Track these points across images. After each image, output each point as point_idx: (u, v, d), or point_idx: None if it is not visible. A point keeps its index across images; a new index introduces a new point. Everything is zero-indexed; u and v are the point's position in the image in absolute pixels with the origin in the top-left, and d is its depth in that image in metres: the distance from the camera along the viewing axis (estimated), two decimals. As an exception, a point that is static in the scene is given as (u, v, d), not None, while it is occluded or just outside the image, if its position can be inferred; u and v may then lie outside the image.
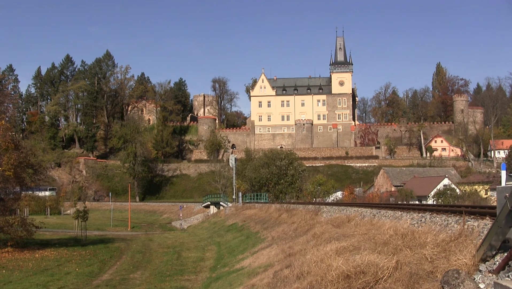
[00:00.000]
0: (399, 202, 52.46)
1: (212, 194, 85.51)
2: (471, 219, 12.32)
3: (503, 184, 20.45)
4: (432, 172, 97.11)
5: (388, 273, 9.64)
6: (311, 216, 30.34)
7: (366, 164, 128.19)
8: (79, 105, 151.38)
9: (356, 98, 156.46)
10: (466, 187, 77.21)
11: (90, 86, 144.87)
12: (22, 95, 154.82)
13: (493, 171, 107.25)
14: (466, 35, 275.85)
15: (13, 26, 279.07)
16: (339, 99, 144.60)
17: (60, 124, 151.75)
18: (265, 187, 74.22)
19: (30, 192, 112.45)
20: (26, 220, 39.68)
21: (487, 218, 11.78)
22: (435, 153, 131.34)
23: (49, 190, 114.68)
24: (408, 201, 60.20)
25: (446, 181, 77.08)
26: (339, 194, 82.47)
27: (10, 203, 39.27)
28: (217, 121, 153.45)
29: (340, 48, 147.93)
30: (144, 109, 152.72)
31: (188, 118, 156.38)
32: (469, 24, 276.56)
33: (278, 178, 73.63)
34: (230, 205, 69.19)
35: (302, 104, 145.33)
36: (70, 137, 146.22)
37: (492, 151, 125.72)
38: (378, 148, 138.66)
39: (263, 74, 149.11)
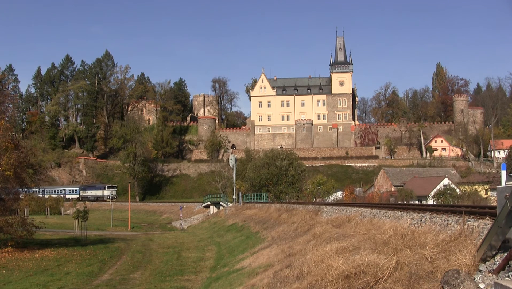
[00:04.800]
0: (399, 202, 52.48)
1: (212, 194, 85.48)
2: (471, 219, 12.31)
3: (503, 184, 20.45)
4: (432, 172, 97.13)
5: (388, 273, 9.64)
6: (311, 216, 30.34)
7: (366, 164, 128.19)
8: (79, 105, 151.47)
9: (356, 98, 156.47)
10: (466, 187, 77.20)
11: (90, 86, 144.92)
12: (22, 95, 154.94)
13: (493, 171, 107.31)
14: (466, 35, 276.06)
15: (13, 26, 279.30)
16: (339, 99, 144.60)
17: (60, 124, 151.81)
18: (265, 187, 74.19)
19: (89, 191, 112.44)
20: (26, 220, 39.65)
21: (487, 218, 11.77)
22: (435, 153, 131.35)
23: (108, 188, 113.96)
24: (408, 201, 60.19)
25: (446, 181, 77.10)
26: (339, 194, 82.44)
27: (10, 203, 39.24)
28: (217, 121, 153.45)
29: (340, 48, 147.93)
30: (144, 109, 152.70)
31: (188, 118, 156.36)
32: (469, 24, 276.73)
33: (278, 178, 73.59)
34: (230, 205, 69.17)
35: (302, 104, 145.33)
36: (70, 137, 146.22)
37: (492, 151, 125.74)
38: (378, 148, 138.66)
39: (263, 74, 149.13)
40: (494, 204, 17.07)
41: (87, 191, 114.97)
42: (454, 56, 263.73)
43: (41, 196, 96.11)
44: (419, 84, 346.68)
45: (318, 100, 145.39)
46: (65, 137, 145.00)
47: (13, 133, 45.25)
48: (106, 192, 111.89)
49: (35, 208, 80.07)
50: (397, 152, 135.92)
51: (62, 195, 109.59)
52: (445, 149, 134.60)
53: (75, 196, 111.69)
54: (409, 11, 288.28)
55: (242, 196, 69.15)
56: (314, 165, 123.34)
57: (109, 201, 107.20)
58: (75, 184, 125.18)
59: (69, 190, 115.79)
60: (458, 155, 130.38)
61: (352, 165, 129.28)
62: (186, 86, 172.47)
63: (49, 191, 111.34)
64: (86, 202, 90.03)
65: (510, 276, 7.27)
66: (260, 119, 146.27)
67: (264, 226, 38.00)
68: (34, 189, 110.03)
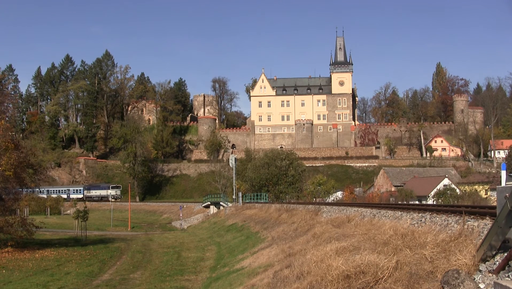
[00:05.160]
0: (399, 202, 52.47)
1: (212, 194, 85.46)
2: (471, 219, 12.30)
3: (503, 184, 20.45)
4: (432, 172, 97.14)
5: (388, 273, 9.64)
6: (311, 216, 30.33)
7: (366, 164, 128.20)
8: (79, 105, 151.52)
9: (356, 98, 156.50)
10: (466, 187, 77.22)
11: (90, 86, 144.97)
12: (22, 95, 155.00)
13: (493, 171, 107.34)
14: (466, 35, 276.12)
15: (13, 26, 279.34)
16: (339, 99, 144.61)
17: (60, 124, 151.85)
18: (265, 187, 74.18)
19: (94, 191, 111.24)
20: (26, 220, 39.63)
21: (487, 218, 11.77)
22: (435, 153, 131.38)
23: (112, 187, 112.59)
24: (408, 201, 60.19)
25: (446, 181, 77.08)
26: (339, 194, 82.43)
27: (10, 203, 39.22)
28: (217, 121, 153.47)
29: (340, 48, 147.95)
30: (144, 109, 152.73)
31: (188, 118, 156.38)
32: (469, 24, 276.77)
33: (278, 178, 73.58)
34: (230, 205, 69.16)
35: (302, 104, 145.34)
36: (70, 137, 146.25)
37: (492, 151, 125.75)
38: (378, 148, 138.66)
39: (263, 74, 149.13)
40: (494, 204, 17.07)
41: (91, 191, 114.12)
42: (454, 56, 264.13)
43: (45, 196, 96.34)
44: (419, 84, 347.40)
45: (318, 100, 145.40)
46: (65, 137, 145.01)
47: (13, 133, 45.23)
48: (111, 192, 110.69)
49: (35, 208, 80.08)
50: (397, 152, 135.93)
51: (66, 195, 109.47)
52: (445, 149, 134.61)
53: (80, 195, 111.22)
54: (409, 11, 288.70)
55: (242, 196, 69.13)
56: (314, 165, 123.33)
57: (113, 201, 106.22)
58: (75, 184, 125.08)
59: (73, 190, 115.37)
60: (458, 155, 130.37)
61: (352, 165, 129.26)
62: (186, 86, 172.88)
63: (53, 191, 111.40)
64: (89, 202, 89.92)
65: (510, 276, 7.27)
66: (260, 119, 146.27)
67: (264, 226, 37.99)
68: (39, 189, 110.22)
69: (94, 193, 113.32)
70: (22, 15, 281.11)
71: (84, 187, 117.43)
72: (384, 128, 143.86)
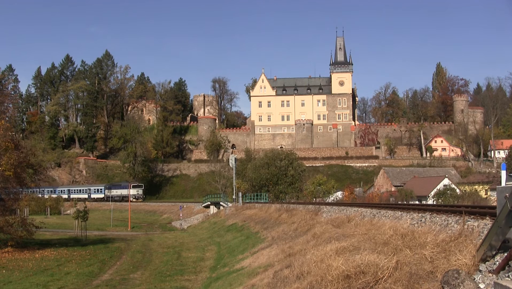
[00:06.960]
0: (399, 202, 52.45)
1: (212, 194, 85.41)
2: (471, 219, 12.31)
3: (503, 184, 20.42)
4: (432, 172, 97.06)
5: (388, 273, 9.64)
6: (311, 216, 30.33)
7: (366, 164, 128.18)
8: (79, 105, 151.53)
9: (356, 98, 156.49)
10: (466, 187, 77.16)
11: (90, 86, 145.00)
12: (22, 95, 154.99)
13: (493, 171, 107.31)
14: (466, 35, 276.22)
15: (13, 26, 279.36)
16: (339, 99, 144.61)
17: (60, 124, 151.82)
18: (265, 187, 74.18)
19: (115, 190, 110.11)
20: (26, 220, 39.67)
21: (487, 218, 11.77)
22: (435, 153, 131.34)
23: (133, 187, 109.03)
24: (408, 201, 60.17)
25: (446, 181, 77.01)
26: (339, 194, 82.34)
27: (10, 203, 39.23)
28: (217, 121, 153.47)
29: (340, 48, 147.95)
30: (144, 109, 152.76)
31: (188, 118, 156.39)
32: (469, 24, 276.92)
33: (278, 178, 73.59)
34: (230, 205, 69.13)
35: (302, 104, 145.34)
36: (70, 137, 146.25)
37: (492, 151, 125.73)
38: (378, 148, 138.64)
39: (263, 74, 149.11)
40: (494, 204, 17.06)
41: (112, 190, 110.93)
42: (454, 56, 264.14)
43: (66, 196, 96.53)
44: (419, 84, 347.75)
45: (318, 100, 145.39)
46: (65, 137, 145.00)
47: (13, 133, 45.21)
48: (132, 191, 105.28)
49: (35, 208, 79.94)
50: (397, 152, 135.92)
51: (87, 195, 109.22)
52: (445, 149, 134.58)
53: (101, 195, 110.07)
54: (409, 11, 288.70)
55: (242, 196, 69.11)
56: (314, 165, 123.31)
57: (134, 201, 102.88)
58: (75, 184, 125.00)
59: (94, 190, 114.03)
60: (458, 155, 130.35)
61: (352, 165, 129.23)
62: (186, 86, 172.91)
63: (74, 190, 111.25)
64: (111, 202, 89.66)
65: (510, 276, 7.27)
66: (260, 119, 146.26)
67: (264, 226, 37.97)
68: (60, 189, 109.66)
69: (115, 192, 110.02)
70: (22, 15, 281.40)
71: (105, 186, 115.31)
72: (384, 128, 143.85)
